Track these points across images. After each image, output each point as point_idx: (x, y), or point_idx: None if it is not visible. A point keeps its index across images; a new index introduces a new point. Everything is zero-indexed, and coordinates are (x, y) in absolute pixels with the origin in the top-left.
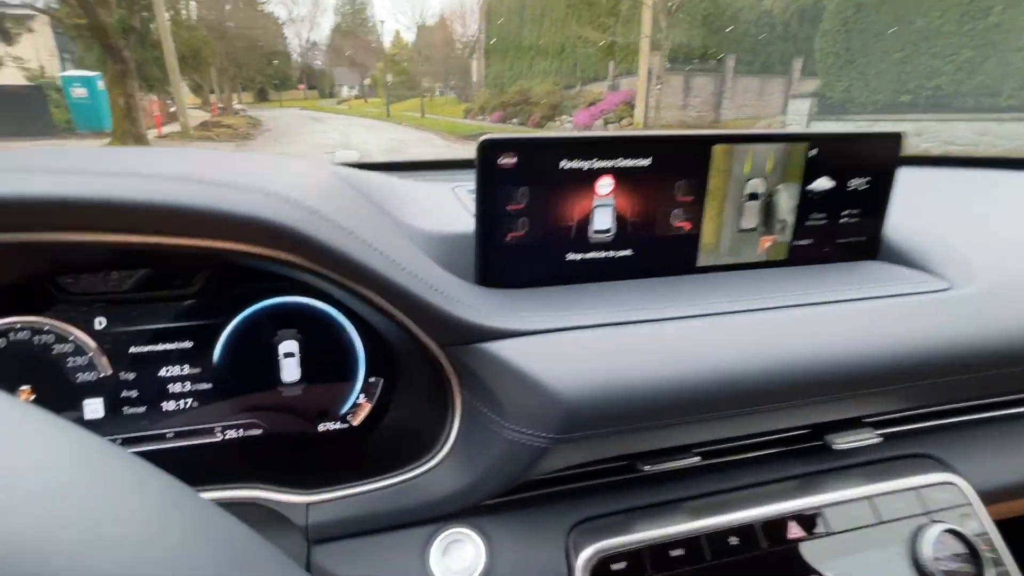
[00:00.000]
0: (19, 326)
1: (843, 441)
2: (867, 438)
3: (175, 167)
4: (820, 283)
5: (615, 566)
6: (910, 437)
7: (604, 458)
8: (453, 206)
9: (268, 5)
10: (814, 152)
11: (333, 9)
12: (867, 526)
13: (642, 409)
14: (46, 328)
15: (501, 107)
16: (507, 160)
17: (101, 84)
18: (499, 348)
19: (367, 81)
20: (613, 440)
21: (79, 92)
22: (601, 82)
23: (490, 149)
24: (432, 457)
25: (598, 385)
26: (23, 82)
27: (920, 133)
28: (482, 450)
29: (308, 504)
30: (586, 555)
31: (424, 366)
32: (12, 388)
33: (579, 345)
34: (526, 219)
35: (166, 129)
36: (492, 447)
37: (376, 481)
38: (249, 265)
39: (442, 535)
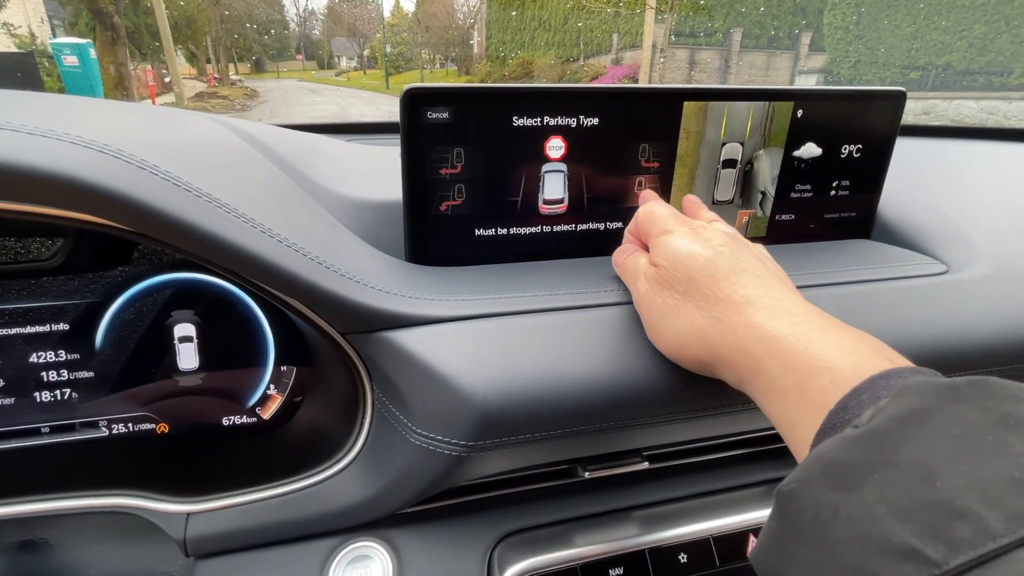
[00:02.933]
0: None
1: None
2: None
3: (21, 115)
4: (802, 264)
5: None
6: None
7: (538, 464)
8: (395, 172)
9: None
10: (800, 113)
11: None
12: None
13: (577, 411)
14: None
15: (502, 79)
16: (438, 115)
17: (93, 52)
18: (404, 337)
19: (366, 52)
20: (544, 446)
21: (70, 60)
22: (604, 55)
23: (416, 100)
24: (338, 461)
25: (521, 383)
26: (13, 49)
27: (928, 112)
28: (390, 457)
29: (188, 514)
30: (511, 573)
31: (337, 356)
32: None
33: (500, 335)
34: (462, 185)
35: (160, 100)
36: (400, 454)
37: (271, 488)
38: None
39: (345, 550)
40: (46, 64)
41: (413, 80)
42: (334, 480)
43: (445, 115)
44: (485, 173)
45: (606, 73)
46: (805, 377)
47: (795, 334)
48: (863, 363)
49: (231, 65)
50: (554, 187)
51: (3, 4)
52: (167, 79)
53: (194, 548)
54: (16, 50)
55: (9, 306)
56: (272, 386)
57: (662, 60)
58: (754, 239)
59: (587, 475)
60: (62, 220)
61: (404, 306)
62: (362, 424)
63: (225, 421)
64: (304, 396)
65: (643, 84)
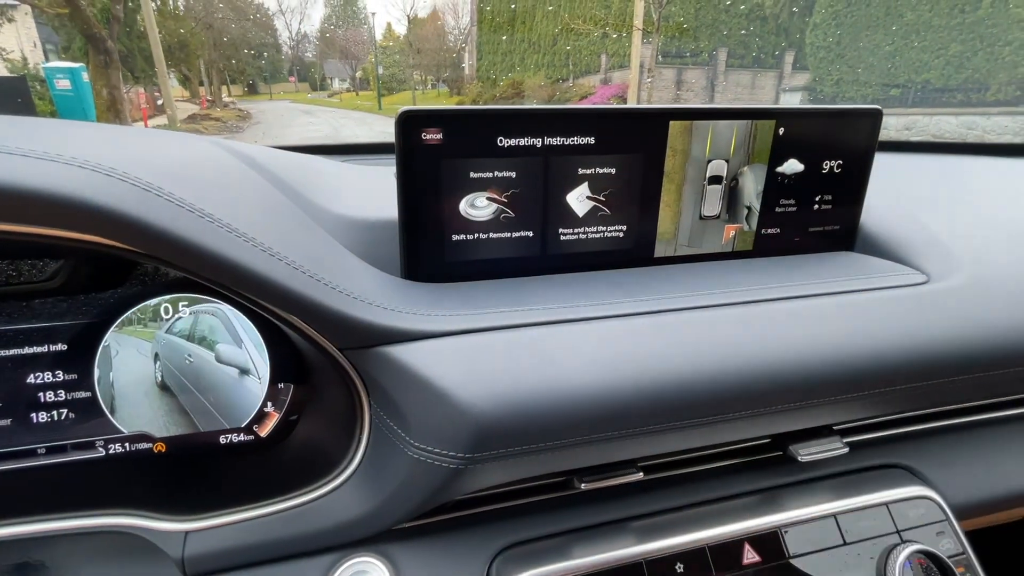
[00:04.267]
0: None
1: (808, 452)
2: (834, 448)
3: (18, 139)
4: (786, 276)
5: None
6: (881, 446)
7: (534, 476)
8: (390, 191)
9: None
10: (782, 131)
11: (323, 0)
12: (832, 547)
13: (570, 423)
14: None
15: (493, 100)
16: (432, 136)
17: (86, 76)
18: (402, 352)
19: (358, 74)
20: (540, 458)
21: (63, 84)
22: (593, 75)
23: (411, 122)
24: (335, 477)
25: (516, 396)
26: (5, 73)
27: (909, 127)
28: (389, 471)
29: (187, 532)
30: None
31: (333, 372)
32: None
33: (496, 349)
34: (457, 203)
35: (153, 122)
36: (398, 467)
37: (269, 504)
38: (121, 256)
39: (344, 566)
40: (38, 88)
41: (405, 101)
42: (332, 496)
43: (439, 136)
44: (478, 191)
45: (595, 93)
46: None
47: None
48: None
49: (224, 87)
50: (546, 204)
51: None
52: (160, 102)
53: (192, 567)
54: (8, 74)
55: (8, 327)
56: (269, 404)
57: (650, 80)
58: (741, 253)
59: (583, 487)
60: (65, 241)
61: (401, 321)
62: (360, 439)
63: (222, 439)
64: (301, 413)
65: (631, 104)
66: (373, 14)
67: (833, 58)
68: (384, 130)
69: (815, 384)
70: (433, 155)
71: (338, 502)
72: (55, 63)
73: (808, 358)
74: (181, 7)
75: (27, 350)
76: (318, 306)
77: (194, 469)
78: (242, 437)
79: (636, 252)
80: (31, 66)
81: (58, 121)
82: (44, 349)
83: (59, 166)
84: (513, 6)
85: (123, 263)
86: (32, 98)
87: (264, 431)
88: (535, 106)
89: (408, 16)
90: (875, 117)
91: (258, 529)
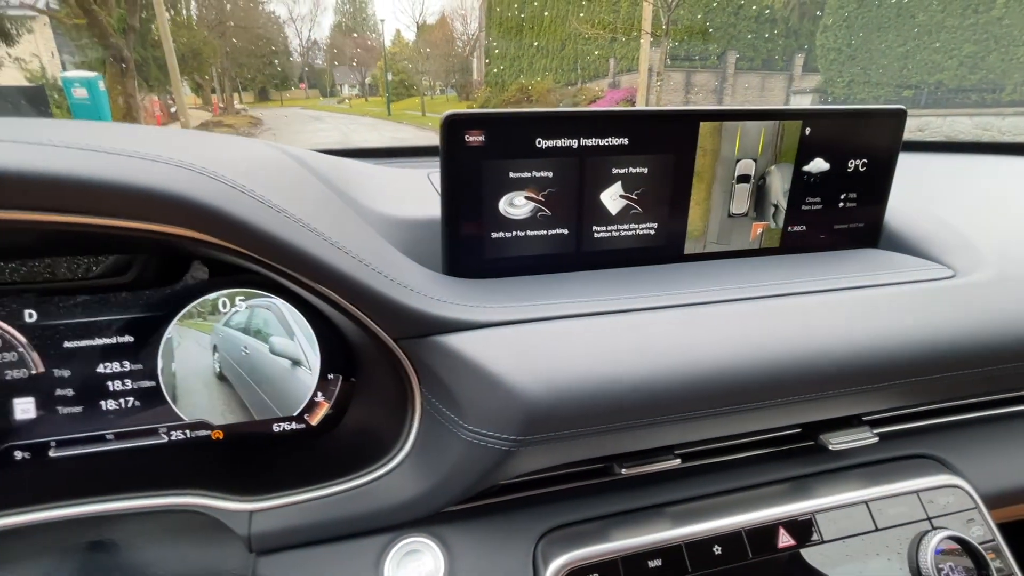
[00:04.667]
0: None
1: (838, 441)
2: (864, 438)
3: (94, 139)
4: (815, 271)
5: None
6: (910, 437)
7: (576, 461)
8: (426, 191)
9: (269, 4)
10: (809, 131)
11: (334, 8)
12: (864, 533)
13: (614, 408)
14: None
15: (502, 105)
16: (475, 138)
17: (102, 85)
18: (456, 341)
19: (368, 80)
20: (585, 442)
21: (80, 93)
22: (602, 79)
23: (456, 125)
24: (388, 461)
25: (565, 381)
26: (24, 83)
27: (922, 129)
28: (441, 454)
29: (251, 512)
30: (555, 566)
31: (384, 362)
32: None
33: (545, 337)
34: (498, 202)
35: None
36: (451, 450)
37: (327, 487)
38: (188, 252)
39: (398, 545)
40: (56, 97)
41: (414, 106)
42: (387, 478)
43: (481, 138)
44: (517, 190)
45: (604, 96)
46: None
47: None
48: None
49: (236, 94)
50: (581, 202)
51: (16, 40)
52: (173, 109)
53: (258, 544)
54: (27, 84)
55: (84, 319)
56: (319, 394)
57: (659, 83)
58: (768, 250)
59: (624, 472)
60: (150, 235)
61: (455, 312)
62: (411, 425)
63: (275, 428)
64: (349, 402)
65: (659, 107)
66: (382, 20)
67: (844, 60)
68: (393, 135)
69: (845, 373)
70: (475, 156)
71: (393, 484)
72: (72, 72)
73: (838, 348)
74: (194, 16)
75: (98, 341)
76: (381, 297)
77: (250, 455)
78: (294, 426)
79: (666, 249)
80: (49, 76)
81: (128, 125)
82: (114, 340)
83: (161, 166)
84: (521, 12)
85: (186, 260)
86: (51, 107)
87: (315, 420)
88: (572, 108)
89: (417, 22)
90: (899, 117)
91: (318, 509)
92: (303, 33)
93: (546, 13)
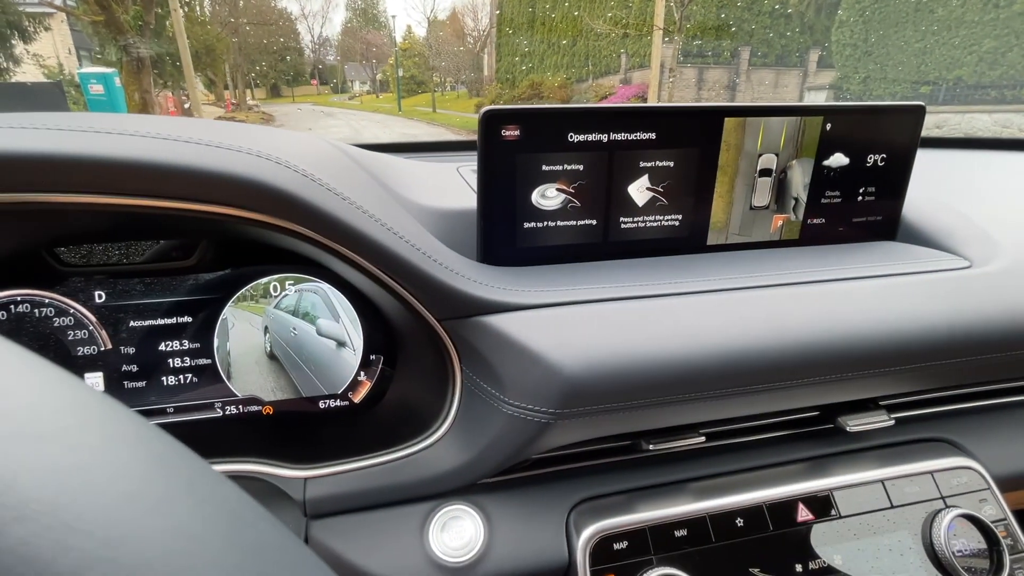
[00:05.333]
0: (19, 299)
1: (856, 423)
2: (881, 421)
3: (172, 130)
4: (835, 261)
5: (617, 545)
6: (926, 421)
7: (607, 436)
8: (457, 184)
9: (281, 0)
10: (829, 126)
11: (345, 4)
12: (879, 510)
13: (646, 385)
14: (47, 301)
15: (512, 101)
16: (510, 132)
17: (118, 81)
18: (499, 321)
19: (378, 76)
20: (616, 417)
21: (96, 89)
22: (613, 75)
23: (493, 120)
24: (431, 434)
25: (600, 359)
26: (42, 79)
27: (940, 125)
28: (482, 426)
29: (306, 479)
30: (587, 534)
31: (424, 342)
32: None
33: (581, 319)
34: (532, 194)
35: None
36: (492, 423)
37: (374, 457)
38: (247, 238)
39: (440, 512)
40: (73, 93)
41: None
42: (431, 449)
43: (516, 132)
44: (549, 183)
45: (615, 93)
46: None
47: None
48: None
49: (248, 91)
50: (610, 194)
51: (34, 37)
52: (187, 105)
53: (312, 508)
54: (44, 80)
55: (150, 300)
56: (362, 373)
57: (671, 79)
58: (788, 242)
59: (651, 448)
60: (219, 217)
61: (499, 295)
62: (452, 400)
63: (321, 404)
64: (391, 380)
65: (685, 103)
66: (393, 17)
67: (860, 55)
68: (403, 131)
69: (864, 357)
70: (511, 150)
71: (436, 455)
72: (89, 69)
73: (858, 333)
74: (208, 13)
75: (161, 321)
76: (433, 280)
77: (298, 429)
78: (338, 403)
79: (690, 240)
80: (66, 72)
81: (191, 119)
82: (174, 320)
83: (243, 155)
84: (532, 8)
85: (242, 245)
86: (68, 103)
87: (358, 397)
88: (603, 105)
89: (428, 19)
90: (918, 112)
91: (367, 477)
92: (315, 29)
93: (557, 9)
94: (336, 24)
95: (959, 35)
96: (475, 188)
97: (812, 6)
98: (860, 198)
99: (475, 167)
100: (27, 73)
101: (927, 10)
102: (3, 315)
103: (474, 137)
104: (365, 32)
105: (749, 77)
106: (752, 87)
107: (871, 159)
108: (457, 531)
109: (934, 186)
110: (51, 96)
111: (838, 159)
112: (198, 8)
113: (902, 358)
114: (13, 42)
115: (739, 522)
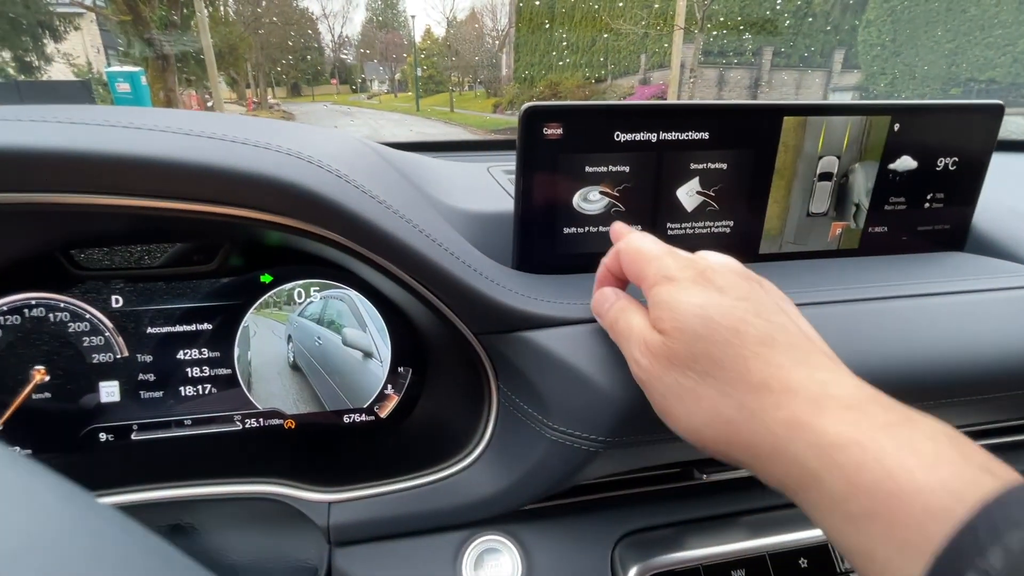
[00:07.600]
0: (34, 302)
1: None
2: None
3: (197, 126)
4: (899, 275)
5: None
6: (1003, 452)
7: (657, 464)
8: (489, 185)
9: (302, 0)
10: (897, 127)
11: (365, 4)
12: None
13: None
14: (62, 305)
15: (528, 101)
16: (552, 130)
17: (144, 79)
18: (543, 338)
19: (397, 76)
20: (671, 446)
21: (123, 87)
22: (632, 76)
23: (534, 117)
24: (465, 456)
25: None
26: (72, 77)
27: None
28: (521, 451)
29: (330, 503)
30: (634, 572)
31: (457, 356)
32: (26, 368)
33: None
34: (573, 197)
35: None
36: (533, 448)
37: (404, 480)
38: (272, 241)
39: (475, 543)
40: (100, 91)
41: (443, 102)
42: (464, 474)
43: (559, 131)
44: (592, 185)
45: (634, 93)
46: (884, 502)
47: (858, 440)
48: (958, 480)
49: (269, 89)
50: (657, 198)
51: (63, 36)
52: (210, 103)
53: (337, 535)
54: (74, 78)
55: (168, 307)
56: (389, 386)
57: (692, 79)
58: (847, 251)
59: (704, 477)
60: (244, 221)
61: (542, 308)
62: (487, 420)
63: (346, 419)
64: (420, 395)
65: (741, 102)
66: (413, 17)
67: (888, 56)
68: (421, 131)
69: (929, 386)
70: (552, 150)
71: (471, 480)
72: (116, 68)
73: (923, 359)
74: (231, 13)
75: (179, 328)
76: (472, 292)
77: (321, 446)
78: (363, 417)
79: (741, 248)
80: (95, 70)
81: (214, 113)
82: (193, 328)
83: (272, 153)
84: (551, 8)
85: (264, 248)
86: (95, 101)
87: (384, 412)
88: (653, 102)
89: (447, 18)
90: (996, 112)
91: (397, 503)
92: (335, 29)
93: (576, 9)
94: (356, 24)
95: (993, 35)
96: (507, 189)
97: (838, 5)
98: (927, 205)
99: (506, 167)
100: (58, 71)
101: (959, 10)
102: (17, 319)
103: (495, 136)
104: (384, 32)
105: (771, 78)
106: (774, 88)
107: (942, 163)
108: (493, 565)
109: (1005, 191)
110: (79, 95)
111: (906, 162)
112: (222, 8)
113: (976, 386)
114: (44, 41)
115: (803, 563)
